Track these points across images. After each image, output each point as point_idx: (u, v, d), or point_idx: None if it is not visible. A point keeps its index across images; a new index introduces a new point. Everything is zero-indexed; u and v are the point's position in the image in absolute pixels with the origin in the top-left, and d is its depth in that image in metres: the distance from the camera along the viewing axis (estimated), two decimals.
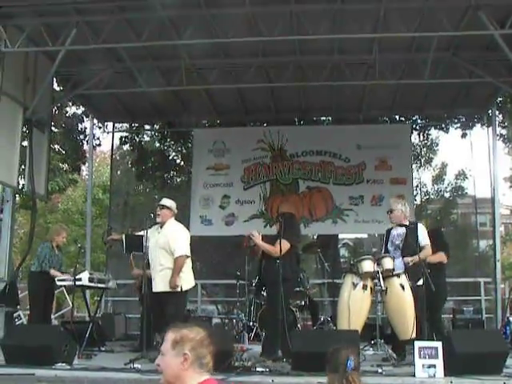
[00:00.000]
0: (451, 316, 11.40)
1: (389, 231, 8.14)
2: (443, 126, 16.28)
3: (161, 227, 7.76)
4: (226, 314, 12.18)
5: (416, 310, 7.19)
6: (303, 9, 8.91)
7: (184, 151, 17.24)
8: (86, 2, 8.82)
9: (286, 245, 7.51)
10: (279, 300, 7.12)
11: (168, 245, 7.50)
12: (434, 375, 5.75)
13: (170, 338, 2.79)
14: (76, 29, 9.03)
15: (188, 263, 7.65)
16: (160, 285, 7.47)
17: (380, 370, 6.09)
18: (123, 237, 8.67)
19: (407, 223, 7.93)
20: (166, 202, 7.91)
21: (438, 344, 5.90)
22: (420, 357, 5.85)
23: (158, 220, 7.77)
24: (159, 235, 7.67)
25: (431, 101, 12.64)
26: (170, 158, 17.82)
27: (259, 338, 9.62)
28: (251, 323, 9.96)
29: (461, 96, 12.28)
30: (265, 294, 9.27)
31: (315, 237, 16.31)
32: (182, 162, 17.65)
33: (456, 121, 15.47)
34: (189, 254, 7.59)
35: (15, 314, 9.86)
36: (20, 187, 10.84)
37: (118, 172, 20.39)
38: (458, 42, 9.95)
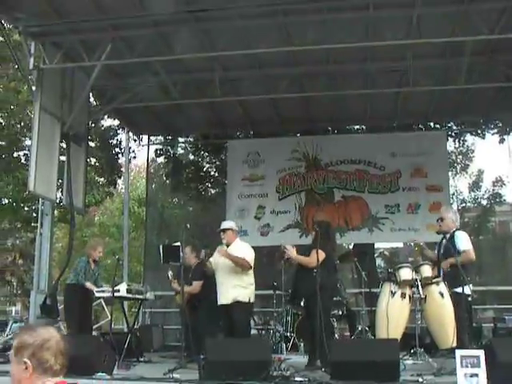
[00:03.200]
0: (492, 325, 11.21)
1: (441, 241, 8.05)
2: (479, 131, 16.04)
3: (227, 246, 8.05)
4: (263, 325, 12.14)
5: (456, 318, 7.09)
6: (335, 17, 8.92)
7: (218, 163, 17.30)
8: (121, 18, 8.98)
9: (320, 254, 7.47)
10: (319, 309, 7.08)
11: None
12: None
13: (13, 345, 2.64)
14: (111, 44, 9.21)
15: (252, 278, 7.99)
16: (231, 297, 7.78)
17: (421, 380, 5.99)
18: (160, 247, 8.77)
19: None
20: (226, 224, 8.26)
21: (480, 353, 5.78)
22: (462, 366, 5.73)
23: (224, 242, 8.05)
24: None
25: (467, 106, 12.48)
26: (205, 169, 17.88)
27: (297, 349, 9.59)
28: (288, 333, 9.93)
29: (497, 100, 12.08)
30: (302, 304, 9.25)
31: (351, 246, 16.18)
32: (217, 174, 17.71)
33: (493, 126, 15.22)
34: (252, 266, 7.91)
35: (55, 326, 9.96)
36: (58, 201, 10.99)
37: (153, 185, 20.57)
38: (494, 45, 9.82)
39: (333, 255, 7.95)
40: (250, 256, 8.01)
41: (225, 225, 8.25)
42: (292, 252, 7.69)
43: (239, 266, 7.85)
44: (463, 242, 7.55)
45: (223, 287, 7.96)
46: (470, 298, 7.52)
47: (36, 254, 10.05)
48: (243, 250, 8.06)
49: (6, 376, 6.24)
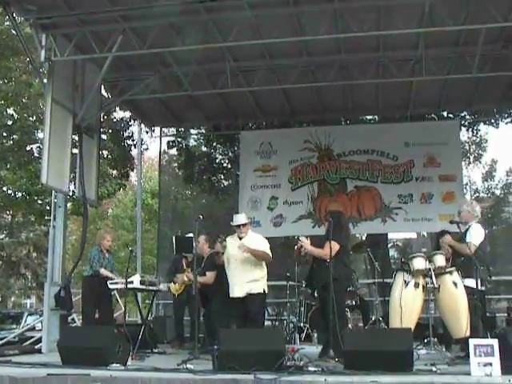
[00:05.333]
0: (506, 314, 11.17)
1: None
2: (493, 121, 15.90)
3: (240, 239, 8.06)
4: (276, 316, 12.16)
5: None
6: (347, 6, 8.84)
7: (231, 154, 17.28)
8: (131, 8, 8.96)
9: (335, 246, 7.45)
10: (332, 300, 7.09)
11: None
12: (491, 374, 5.59)
13: None
14: (122, 35, 9.20)
15: (265, 270, 8.11)
16: (245, 290, 7.88)
17: (435, 369, 5.98)
18: (173, 238, 8.81)
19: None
20: (242, 219, 8.25)
21: (494, 342, 5.76)
22: (475, 355, 5.71)
23: (243, 236, 8.08)
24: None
25: (480, 96, 12.38)
26: (217, 161, 17.87)
27: (310, 339, 9.60)
28: (302, 324, 9.94)
29: (511, 89, 11.99)
30: (316, 294, 9.25)
31: (364, 236, 16.15)
32: (229, 165, 17.69)
33: (506, 115, 15.09)
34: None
35: (69, 318, 10.03)
36: (71, 193, 11.02)
37: (166, 177, 20.63)
38: (507, 33, 9.69)
39: (347, 246, 7.93)
40: (268, 248, 8.07)
41: (242, 219, 8.25)
42: (307, 245, 7.68)
43: (261, 259, 7.89)
44: (471, 234, 7.47)
45: (237, 279, 7.97)
46: (483, 288, 7.47)
47: (49, 246, 10.07)
48: (259, 241, 8.11)
49: (22, 367, 6.34)
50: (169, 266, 10.40)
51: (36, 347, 9.32)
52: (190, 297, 9.53)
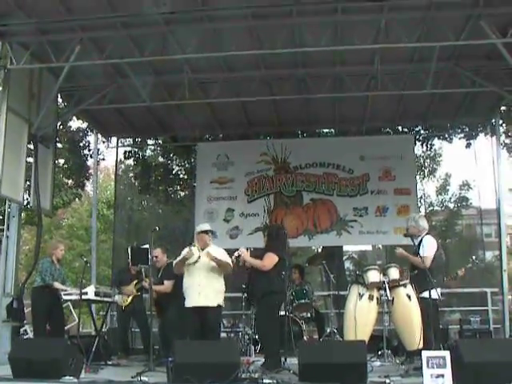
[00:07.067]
0: (458, 326, 11.35)
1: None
2: (446, 136, 16.24)
3: (202, 249, 7.90)
4: (232, 328, 12.12)
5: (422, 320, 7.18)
6: (304, 21, 8.96)
7: (187, 165, 17.25)
8: (90, 18, 8.90)
9: (273, 258, 7.54)
10: (267, 312, 7.20)
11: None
12: None
13: None
14: (80, 45, 9.14)
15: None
16: (207, 300, 7.68)
17: (388, 381, 6.06)
18: (129, 249, 8.74)
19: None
20: (208, 226, 8.25)
21: (446, 353, 5.86)
22: (428, 366, 5.81)
23: (208, 242, 7.99)
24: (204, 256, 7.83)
25: (434, 111, 12.63)
26: (174, 172, 17.81)
27: None
28: (257, 336, 9.93)
29: (464, 106, 12.28)
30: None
31: (320, 249, 16.28)
32: (186, 176, 17.65)
33: (459, 131, 15.42)
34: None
35: (22, 330, 9.85)
36: (25, 203, 10.85)
37: (122, 187, 20.43)
38: (460, 51, 9.96)
39: (285, 259, 7.94)
40: (229, 259, 7.96)
41: (208, 226, 8.24)
42: (246, 255, 7.72)
43: (223, 268, 7.83)
44: (425, 247, 7.55)
45: (203, 288, 7.78)
46: (442, 298, 7.60)
47: (2, 256, 9.86)
48: (220, 252, 8.00)
49: None
50: (113, 277, 10.30)
51: None
52: (136, 308, 9.51)
